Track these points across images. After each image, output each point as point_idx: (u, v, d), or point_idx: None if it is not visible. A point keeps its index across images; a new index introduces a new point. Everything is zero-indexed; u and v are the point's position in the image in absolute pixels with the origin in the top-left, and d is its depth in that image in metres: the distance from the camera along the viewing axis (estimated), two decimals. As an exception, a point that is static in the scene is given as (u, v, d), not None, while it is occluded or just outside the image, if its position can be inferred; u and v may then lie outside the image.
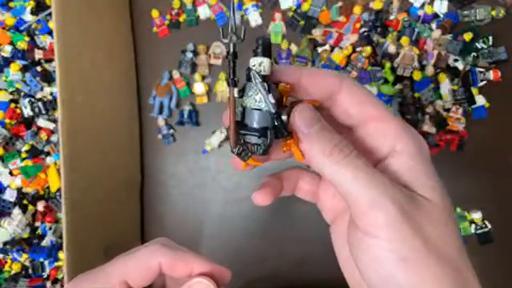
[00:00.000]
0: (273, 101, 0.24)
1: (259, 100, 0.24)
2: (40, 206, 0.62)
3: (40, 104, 0.62)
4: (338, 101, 0.26)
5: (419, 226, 0.22)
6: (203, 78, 0.65)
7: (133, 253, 0.29)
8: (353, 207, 0.23)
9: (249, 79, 0.25)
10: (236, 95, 0.24)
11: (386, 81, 0.60)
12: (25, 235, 0.62)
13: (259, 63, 0.24)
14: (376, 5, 0.60)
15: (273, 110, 0.24)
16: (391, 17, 0.60)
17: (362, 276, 0.23)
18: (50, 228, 0.62)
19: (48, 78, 0.63)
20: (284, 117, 0.25)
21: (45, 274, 0.62)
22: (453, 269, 0.22)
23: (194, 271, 0.29)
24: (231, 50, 0.24)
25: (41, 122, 0.62)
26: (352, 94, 0.26)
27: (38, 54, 0.62)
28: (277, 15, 0.62)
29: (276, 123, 0.25)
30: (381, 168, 0.25)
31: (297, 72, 0.26)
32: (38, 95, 0.63)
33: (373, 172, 0.22)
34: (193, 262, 0.29)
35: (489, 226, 0.59)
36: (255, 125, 0.25)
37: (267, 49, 0.24)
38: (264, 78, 0.24)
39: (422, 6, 0.59)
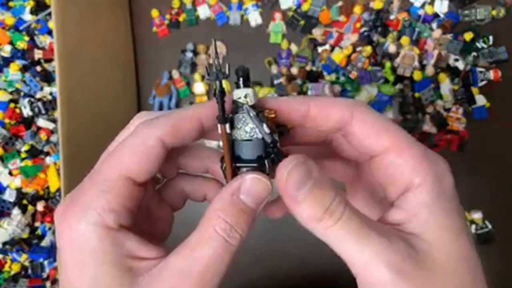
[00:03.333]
0: (268, 131, 0.24)
1: (249, 131, 0.24)
2: (40, 206, 0.62)
3: (39, 104, 0.62)
4: (351, 132, 0.25)
5: (419, 284, 0.21)
6: (203, 78, 0.65)
7: (125, 143, 0.24)
8: (349, 266, 0.22)
9: (235, 112, 0.24)
10: (228, 130, 0.24)
11: (386, 81, 0.60)
12: (25, 235, 0.62)
13: (245, 95, 0.24)
14: (377, 4, 0.60)
15: (269, 140, 0.24)
16: (392, 17, 0.60)
17: None
18: (49, 228, 0.62)
19: (47, 78, 0.63)
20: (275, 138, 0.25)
21: (44, 275, 0.62)
22: None
23: (204, 121, 0.25)
24: (218, 87, 0.23)
25: (41, 122, 0.62)
26: (365, 124, 0.24)
27: (38, 54, 0.62)
28: (277, 15, 0.62)
29: (271, 151, 0.25)
30: (398, 204, 0.23)
31: (305, 104, 0.25)
32: (38, 95, 0.63)
33: (367, 234, 0.21)
34: (194, 113, 0.25)
35: (489, 226, 0.59)
36: (250, 156, 0.25)
37: (248, 79, 0.25)
38: (251, 107, 0.24)
39: (423, 5, 0.59)
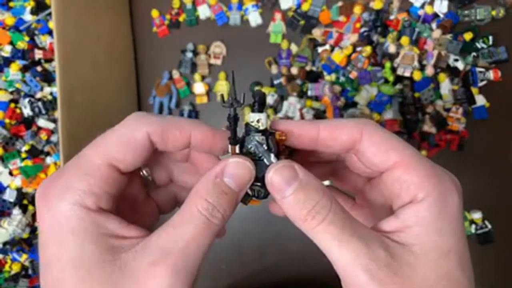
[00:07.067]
0: (275, 161, 0.25)
1: (258, 153, 0.26)
2: (40, 206, 0.62)
3: (40, 104, 0.62)
4: (361, 150, 0.26)
5: None
6: (203, 78, 0.65)
7: (113, 131, 0.25)
8: (332, 264, 0.23)
9: (247, 133, 0.26)
10: (237, 151, 0.26)
11: (386, 81, 0.60)
12: (25, 235, 0.62)
13: (257, 120, 0.26)
14: (376, 5, 0.60)
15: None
16: (391, 17, 0.60)
17: None
18: (50, 228, 0.62)
19: (48, 78, 0.63)
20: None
21: (45, 274, 0.62)
22: None
23: (193, 139, 0.26)
24: (232, 114, 0.25)
25: (41, 122, 0.62)
26: (374, 142, 0.25)
27: (38, 54, 0.62)
28: (277, 15, 0.62)
29: None
30: (397, 213, 0.24)
31: (314, 129, 0.26)
32: (38, 95, 0.63)
33: (347, 239, 0.22)
34: (188, 127, 0.26)
35: (489, 226, 0.59)
36: (258, 173, 0.26)
37: (263, 105, 0.26)
38: (262, 132, 0.26)
39: (422, 6, 0.59)
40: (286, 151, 0.28)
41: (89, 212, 0.23)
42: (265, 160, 0.26)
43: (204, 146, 0.27)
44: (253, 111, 0.26)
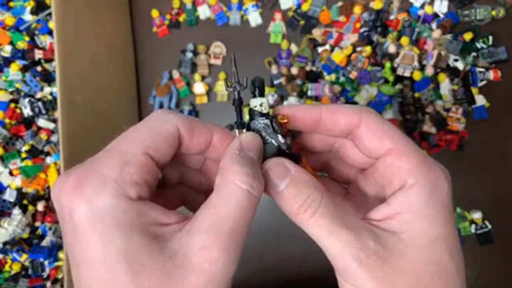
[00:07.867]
0: (282, 140, 0.27)
1: (265, 136, 0.27)
2: (40, 206, 0.62)
3: (40, 104, 0.62)
4: (358, 136, 0.27)
5: (381, 278, 0.22)
6: (203, 78, 0.65)
7: (143, 123, 0.25)
8: (325, 252, 0.24)
9: (252, 118, 0.28)
10: None
11: (386, 81, 0.60)
12: (25, 235, 0.62)
13: (260, 104, 0.27)
14: (376, 5, 0.60)
15: (284, 147, 0.27)
16: (391, 17, 0.60)
17: None
18: (50, 228, 0.62)
19: (48, 78, 0.63)
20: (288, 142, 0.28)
21: (45, 274, 0.62)
22: None
23: (214, 138, 0.27)
24: (236, 97, 0.27)
25: (41, 122, 0.62)
26: (370, 128, 0.26)
27: (38, 54, 0.62)
28: (277, 15, 0.62)
29: (286, 153, 0.27)
30: (388, 200, 0.25)
31: (317, 111, 0.27)
32: (38, 95, 0.63)
33: (337, 230, 0.23)
34: (211, 126, 0.27)
35: (489, 226, 0.59)
36: (265, 156, 0.27)
37: (263, 89, 0.28)
38: (265, 115, 0.27)
39: (422, 6, 0.59)
40: (289, 134, 0.29)
41: (133, 202, 0.22)
42: (273, 141, 0.27)
43: (223, 147, 0.27)
44: (254, 96, 0.27)
